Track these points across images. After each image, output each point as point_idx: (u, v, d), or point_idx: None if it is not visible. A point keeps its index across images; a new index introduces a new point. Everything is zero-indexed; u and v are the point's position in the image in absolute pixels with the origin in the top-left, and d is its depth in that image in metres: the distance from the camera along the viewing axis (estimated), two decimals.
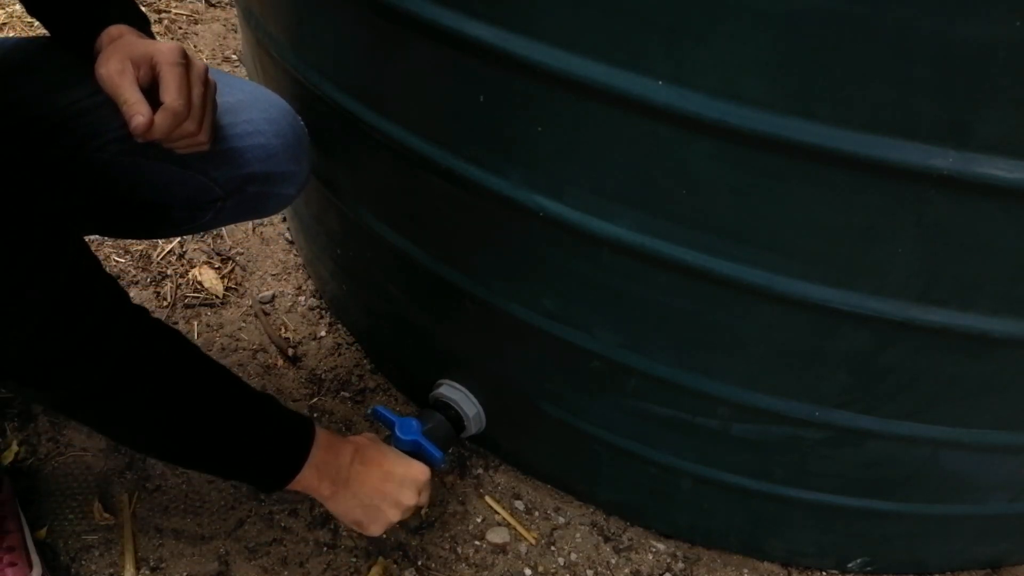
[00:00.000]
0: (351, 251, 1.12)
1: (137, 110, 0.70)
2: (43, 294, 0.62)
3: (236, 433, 0.77)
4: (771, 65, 0.60)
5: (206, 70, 0.77)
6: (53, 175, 0.81)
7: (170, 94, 0.72)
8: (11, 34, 1.84)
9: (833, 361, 0.78)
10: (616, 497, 1.09)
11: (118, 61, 0.72)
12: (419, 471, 0.87)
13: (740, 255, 0.72)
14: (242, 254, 1.41)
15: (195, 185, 0.84)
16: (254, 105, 0.86)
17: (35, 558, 0.91)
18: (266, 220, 1.47)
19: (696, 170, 0.68)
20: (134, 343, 0.68)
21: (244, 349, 1.25)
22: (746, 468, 0.94)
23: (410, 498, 0.85)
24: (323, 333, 1.29)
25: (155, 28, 1.91)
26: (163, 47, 0.74)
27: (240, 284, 1.35)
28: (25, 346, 0.63)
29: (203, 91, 0.76)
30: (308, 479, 0.81)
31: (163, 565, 0.97)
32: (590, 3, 0.62)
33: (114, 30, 0.78)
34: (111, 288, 0.68)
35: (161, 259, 1.36)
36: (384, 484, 0.84)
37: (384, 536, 1.03)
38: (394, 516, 0.85)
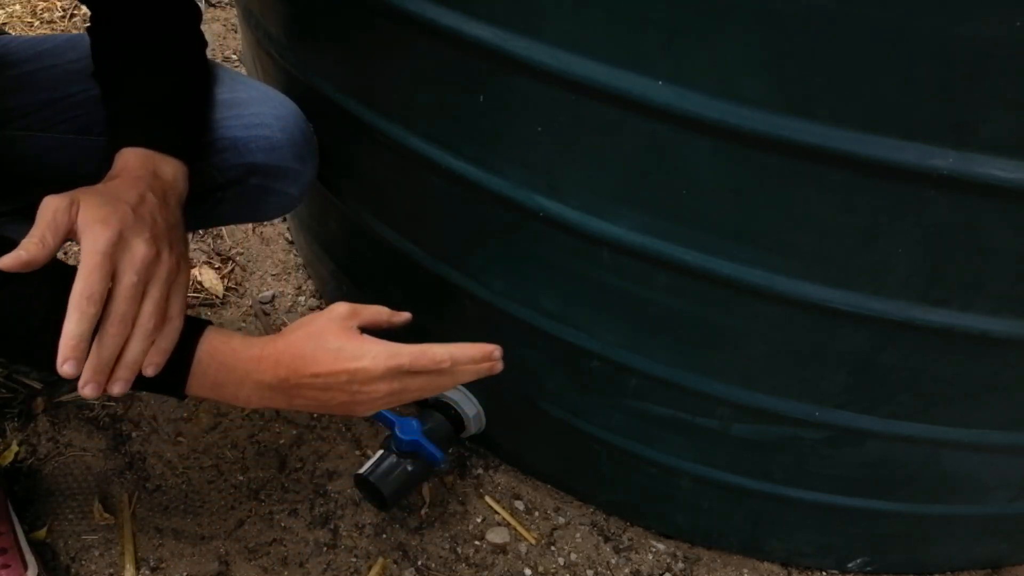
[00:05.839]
0: (351, 251, 1.12)
1: (25, 247, 0.56)
2: None
3: None
4: (771, 65, 0.60)
5: (133, 285, 0.61)
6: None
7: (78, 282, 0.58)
8: (11, 33, 1.84)
9: (833, 361, 0.78)
10: (616, 497, 1.09)
11: (68, 202, 0.61)
12: (370, 363, 0.68)
13: (740, 255, 0.72)
14: (242, 254, 1.41)
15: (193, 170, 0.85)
16: (264, 102, 0.87)
17: (31, 558, 0.91)
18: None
19: (696, 170, 0.68)
20: None
21: None
22: (746, 468, 0.94)
23: (376, 391, 0.68)
24: None
25: None
26: (92, 231, 0.59)
27: (240, 284, 1.35)
28: None
29: (125, 308, 0.60)
30: (209, 379, 0.67)
31: (163, 565, 0.97)
32: (590, 3, 0.62)
33: (122, 164, 0.70)
34: None
35: None
36: (326, 395, 0.68)
37: (384, 536, 1.03)
38: (366, 410, 0.70)
